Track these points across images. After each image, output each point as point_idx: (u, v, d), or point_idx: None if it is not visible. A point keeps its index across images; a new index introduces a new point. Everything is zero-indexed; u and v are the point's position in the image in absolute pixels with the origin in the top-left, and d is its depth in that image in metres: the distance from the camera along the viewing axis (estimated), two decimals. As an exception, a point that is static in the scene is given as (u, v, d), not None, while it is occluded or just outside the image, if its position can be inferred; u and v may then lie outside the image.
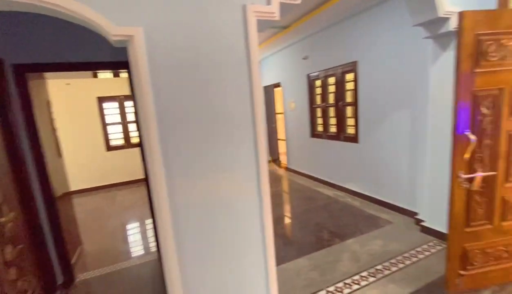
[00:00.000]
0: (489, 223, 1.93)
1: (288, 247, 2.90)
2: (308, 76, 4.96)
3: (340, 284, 2.22)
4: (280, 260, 2.64)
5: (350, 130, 4.24)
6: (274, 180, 5.68)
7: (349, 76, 4.08)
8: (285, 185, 5.22)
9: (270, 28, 4.53)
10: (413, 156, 3.14)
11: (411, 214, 3.23)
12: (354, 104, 3.97)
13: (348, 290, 2.15)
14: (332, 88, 4.50)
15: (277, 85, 6.12)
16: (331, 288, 2.19)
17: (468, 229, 1.91)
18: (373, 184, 3.81)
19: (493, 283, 2.02)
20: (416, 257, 2.50)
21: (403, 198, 3.37)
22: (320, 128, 4.94)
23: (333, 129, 4.60)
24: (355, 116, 3.98)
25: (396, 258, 2.51)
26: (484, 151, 1.83)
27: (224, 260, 1.60)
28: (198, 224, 1.50)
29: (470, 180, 1.85)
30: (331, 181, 4.70)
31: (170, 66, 1.34)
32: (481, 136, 1.81)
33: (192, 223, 1.48)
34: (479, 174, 1.82)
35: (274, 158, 6.78)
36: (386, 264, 2.43)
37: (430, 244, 2.68)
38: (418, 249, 2.62)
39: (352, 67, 3.92)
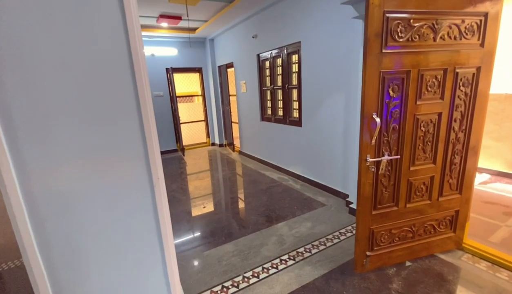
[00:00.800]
0: (395, 205, 1.98)
1: (217, 233, 2.82)
2: (258, 57, 4.77)
3: (258, 269, 2.19)
4: (205, 247, 2.56)
5: (295, 114, 4.19)
6: (225, 164, 5.55)
7: (294, 57, 3.97)
8: (233, 169, 5.12)
9: (216, 1, 4.22)
10: (346, 140, 3.17)
11: (344, 196, 3.31)
12: (298, 87, 3.89)
13: (264, 275, 2.13)
14: (279, 70, 4.37)
15: (231, 65, 5.86)
16: (249, 273, 2.15)
17: (375, 212, 1.95)
18: (313, 167, 3.84)
19: (398, 261, 2.12)
20: (338, 238, 2.55)
21: (337, 181, 3.43)
22: (269, 112, 4.84)
23: (280, 112, 4.53)
24: (299, 99, 3.92)
25: (319, 240, 2.54)
26: (391, 135, 1.83)
27: (108, 255, 1.43)
28: (68, 215, 1.31)
29: (378, 164, 1.85)
30: (278, 165, 4.69)
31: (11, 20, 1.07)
32: (389, 120, 1.80)
33: (57, 214, 1.28)
34: (385, 158, 1.83)
35: (229, 142, 6.63)
36: (308, 246, 2.45)
37: (354, 225, 2.76)
38: (342, 230, 2.68)
39: (296, 47, 3.80)
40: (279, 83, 4.41)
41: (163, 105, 6.43)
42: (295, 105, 4.15)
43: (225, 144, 6.92)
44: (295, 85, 4.02)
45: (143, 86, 1.36)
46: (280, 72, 4.32)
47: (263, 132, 5.00)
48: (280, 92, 4.45)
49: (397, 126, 1.82)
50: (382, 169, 1.85)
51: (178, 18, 4.94)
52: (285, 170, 4.48)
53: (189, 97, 7.50)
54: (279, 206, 3.32)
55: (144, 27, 5.41)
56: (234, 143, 6.42)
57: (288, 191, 3.76)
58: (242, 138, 5.92)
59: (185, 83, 7.08)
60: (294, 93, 4.14)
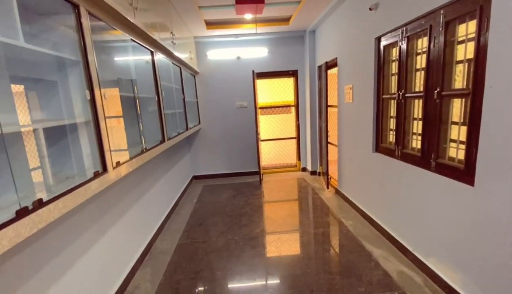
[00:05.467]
0: None
1: None
2: (378, 42, 2.76)
3: None
4: None
5: (455, 152, 1.94)
6: (309, 210, 3.75)
7: (462, 30, 1.78)
8: (318, 226, 3.22)
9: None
10: None
11: None
12: (472, 94, 1.68)
13: None
14: (420, 61, 2.23)
15: (333, 63, 4.02)
16: None
17: None
18: (502, 287, 1.53)
19: None
20: None
21: None
22: (391, 138, 2.72)
23: (416, 143, 2.35)
24: (472, 120, 1.70)
25: None
26: None
27: None
28: None
29: None
30: (404, 243, 2.48)
31: None
32: None
33: None
34: None
35: (323, 171, 4.73)
36: None
37: None
38: None
39: (471, 7, 1.63)
40: (418, 86, 2.27)
41: (247, 118, 5.32)
42: (457, 132, 1.92)
43: (319, 172, 5.08)
44: (462, 89, 1.82)
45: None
46: (423, 65, 2.18)
47: (377, 171, 2.90)
48: (418, 104, 2.29)
49: None
50: None
51: (261, 1, 3.61)
52: (416, 260, 2.26)
53: (283, 107, 6.11)
54: None
55: (228, 23, 4.42)
56: (330, 174, 4.48)
57: (424, 335, 1.63)
58: (342, 172, 3.93)
59: (279, 90, 5.72)
60: (456, 106, 1.92)
